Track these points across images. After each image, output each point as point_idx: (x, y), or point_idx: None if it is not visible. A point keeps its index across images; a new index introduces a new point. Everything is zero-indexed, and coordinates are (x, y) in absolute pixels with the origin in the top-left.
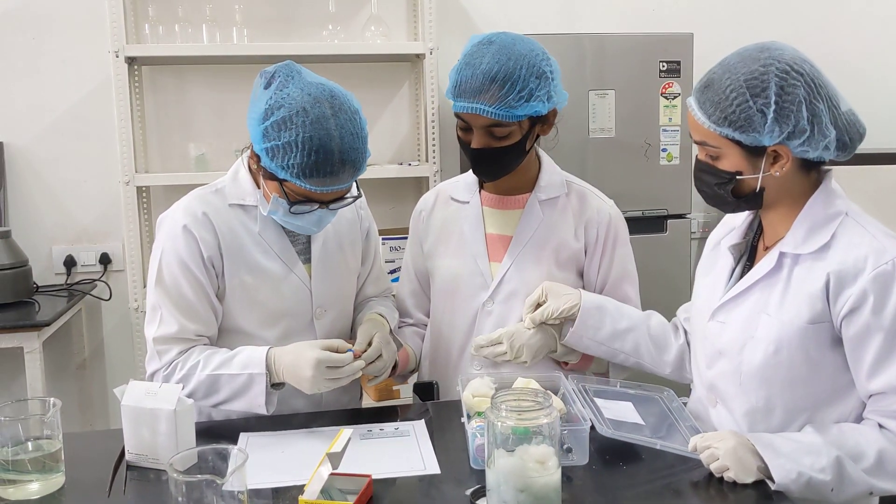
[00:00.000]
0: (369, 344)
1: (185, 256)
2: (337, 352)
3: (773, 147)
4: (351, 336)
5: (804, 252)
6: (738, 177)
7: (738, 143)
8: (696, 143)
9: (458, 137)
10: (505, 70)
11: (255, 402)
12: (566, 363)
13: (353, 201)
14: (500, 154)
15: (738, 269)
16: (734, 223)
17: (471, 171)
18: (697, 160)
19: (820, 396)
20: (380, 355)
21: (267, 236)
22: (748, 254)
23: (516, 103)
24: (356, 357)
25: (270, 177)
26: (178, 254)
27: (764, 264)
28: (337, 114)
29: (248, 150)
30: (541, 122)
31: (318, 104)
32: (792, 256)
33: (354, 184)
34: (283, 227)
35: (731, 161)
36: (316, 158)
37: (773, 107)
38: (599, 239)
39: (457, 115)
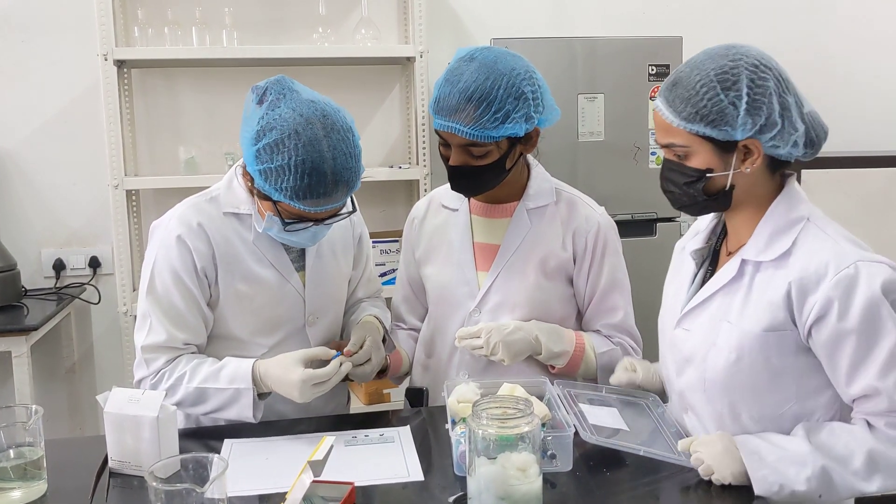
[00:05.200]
0: (360, 346)
1: (178, 267)
2: (322, 359)
3: (745, 142)
4: (342, 337)
5: (766, 259)
6: (708, 174)
7: (710, 139)
8: (664, 145)
9: (440, 152)
10: (481, 90)
11: (243, 413)
12: (553, 367)
13: (349, 216)
14: (477, 172)
15: (700, 275)
16: (699, 228)
17: None
18: (665, 160)
19: (785, 403)
20: (368, 359)
21: (261, 245)
22: (710, 259)
23: (491, 125)
24: (348, 355)
25: (264, 196)
26: (170, 264)
27: (726, 271)
28: (329, 134)
29: (242, 168)
30: (521, 142)
31: (311, 125)
32: (753, 264)
33: (350, 198)
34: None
35: (701, 158)
36: (309, 181)
37: (745, 98)
38: (588, 248)
39: (436, 132)
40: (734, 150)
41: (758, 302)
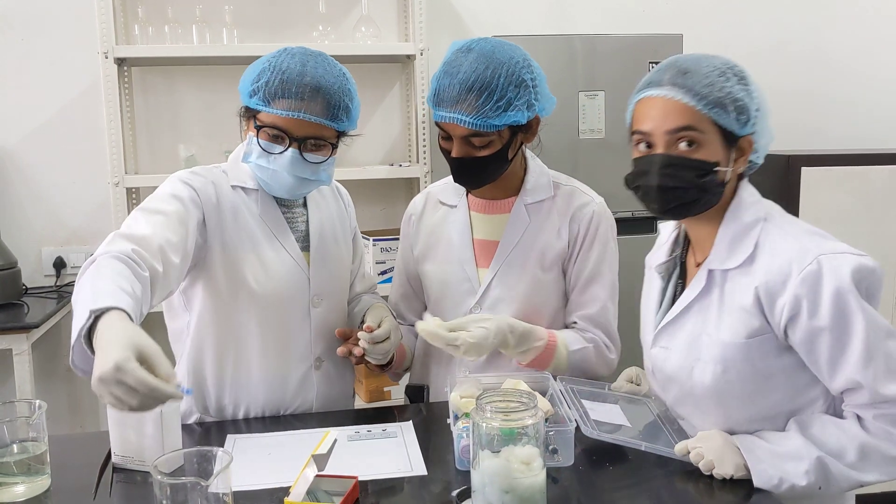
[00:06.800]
0: (378, 325)
1: (178, 192)
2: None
3: (744, 138)
4: (354, 324)
5: (731, 266)
6: (716, 168)
7: (720, 128)
8: (675, 130)
9: (440, 146)
10: (482, 79)
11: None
12: (520, 362)
13: (333, 152)
14: (480, 163)
15: (669, 289)
16: (661, 241)
17: None
18: (665, 157)
19: (779, 405)
20: (388, 338)
21: (268, 220)
22: (679, 271)
23: (493, 113)
24: (369, 331)
25: (248, 118)
26: (173, 188)
27: (695, 284)
28: (315, 57)
29: (245, 123)
30: (523, 131)
31: (303, 49)
32: (720, 273)
33: (335, 146)
34: (283, 215)
35: (710, 150)
36: (281, 77)
37: (754, 94)
38: (579, 235)
39: (437, 124)
40: (734, 147)
41: (732, 311)
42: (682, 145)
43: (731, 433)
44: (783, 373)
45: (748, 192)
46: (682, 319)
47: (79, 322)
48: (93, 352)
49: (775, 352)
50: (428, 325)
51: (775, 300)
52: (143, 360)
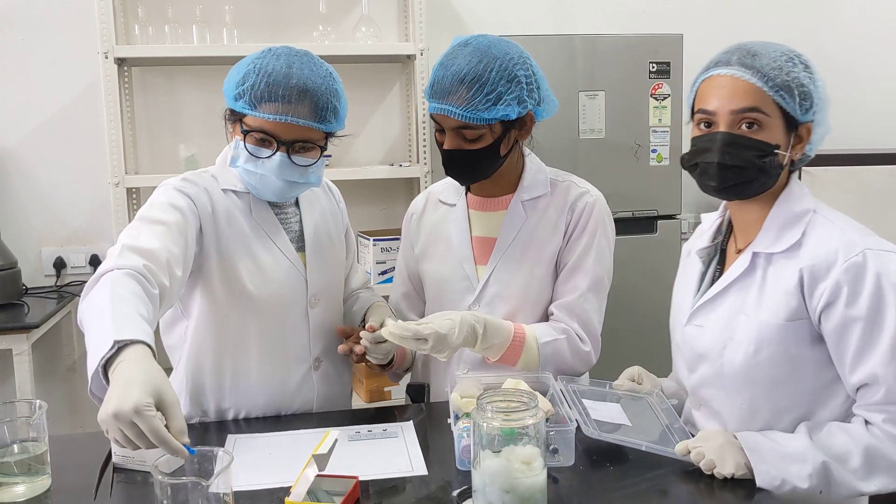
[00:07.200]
0: (381, 325)
1: (175, 201)
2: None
3: (804, 125)
4: (352, 322)
5: (777, 251)
6: (776, 150)
7: (783, 112)
8: (740, 110)
9: (435, 138)
10: (474, 72)
11: (91, 365)
12: (487, 358)
13: (321, 155)
14: (471, 157)
15: (708, 274)
16: (703, 229)
17: None
18: (728, 135)
19: (802, 396)
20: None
21: (261, 222)
22: (718, 257)
23: (483, 106)
24: (371, 331)
25: (234, 121)
26: (169, 197)
27: (738, 265)
28: (301, 58)
29: (231, 127)
30: (516, 127)
31: (287, 49)
32: (765, 256)
33: (324, 145)
34: (276, 216)
35: (772, 133)
36: (268, 80)
37: (818, 83)
38: (571, 224)
39: (431, 116)
40: (793, 132)
41: (773, 293)
42: (745, 126)
43: (750, 422)
44: (811, 364)
45: (798, 184)
46: (720, 299)
47: (98, 348)
48: (106, 379)
49: (809, 340)
50: (393, 326)
51: (817, 284)
52: (160, 408)
